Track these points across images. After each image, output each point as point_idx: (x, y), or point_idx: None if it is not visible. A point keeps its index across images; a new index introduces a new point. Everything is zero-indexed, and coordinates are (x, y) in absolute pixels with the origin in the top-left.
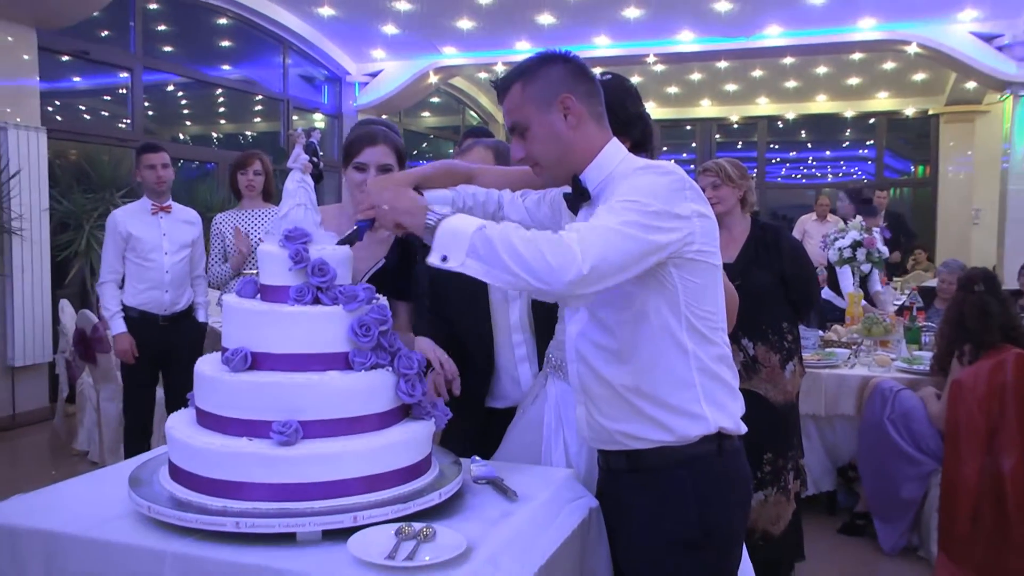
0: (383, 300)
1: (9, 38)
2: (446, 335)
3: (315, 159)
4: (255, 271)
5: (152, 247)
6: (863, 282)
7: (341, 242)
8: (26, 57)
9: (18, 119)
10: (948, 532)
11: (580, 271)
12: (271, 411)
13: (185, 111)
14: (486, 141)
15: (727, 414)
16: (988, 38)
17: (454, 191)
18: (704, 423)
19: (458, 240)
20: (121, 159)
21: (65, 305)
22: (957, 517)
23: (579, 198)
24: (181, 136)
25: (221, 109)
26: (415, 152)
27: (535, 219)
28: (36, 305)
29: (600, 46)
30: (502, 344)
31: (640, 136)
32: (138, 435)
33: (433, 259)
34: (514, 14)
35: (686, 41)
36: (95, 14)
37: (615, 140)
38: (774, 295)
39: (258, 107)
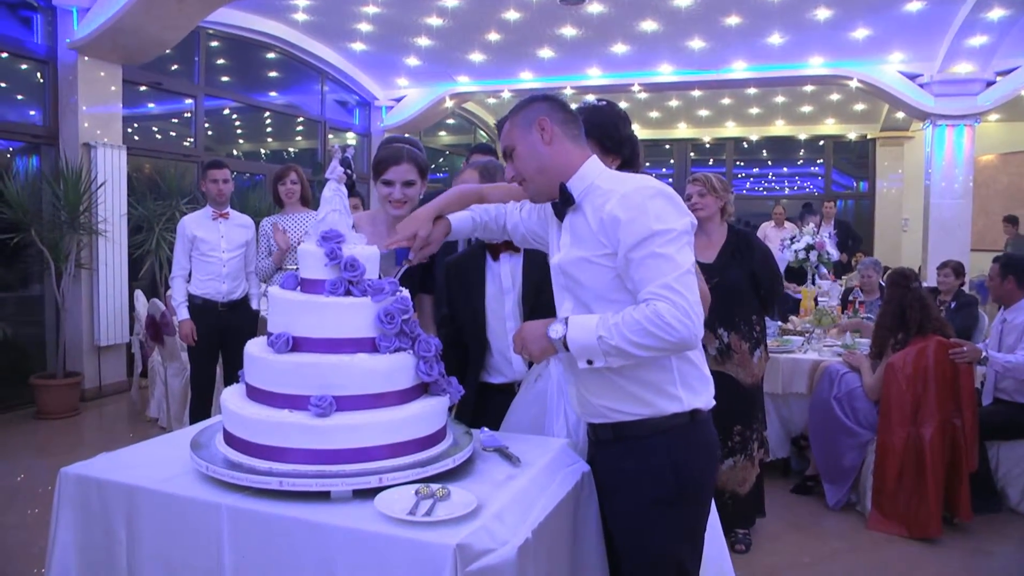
0: (405, 293)
1: (101, 73)
2: (449, 320)
3: (349, 171)
4: (295, 267)
5: (212, 246)
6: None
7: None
8: (113, 88)
9: (105, 139)
10: (879, 490)
11: (696, 325)
12: (309, 387)
13: (238, 131)
14: (476, 163)
15: (698, 396)
16: (912, 77)
17: (471, 211)
18: (679, 403)
19: (591, 351)
20: (185, 172)
21: (139, 295)
22: (886, 477)
23: (564, 205)
24: (235, 152)
25: (268, 129)
26: (433, 166)
27: (526, 225)
28: (116, 295)
29: (592, 76)
30: (497, 330)
31: (629, 154)
32: (201, 405)
33: (582, 364)
34: (519, 49)
35: (665, 73)
36: (167, 51)
37: (594, 157)
38: (746, 292)
39: (299, 127)
